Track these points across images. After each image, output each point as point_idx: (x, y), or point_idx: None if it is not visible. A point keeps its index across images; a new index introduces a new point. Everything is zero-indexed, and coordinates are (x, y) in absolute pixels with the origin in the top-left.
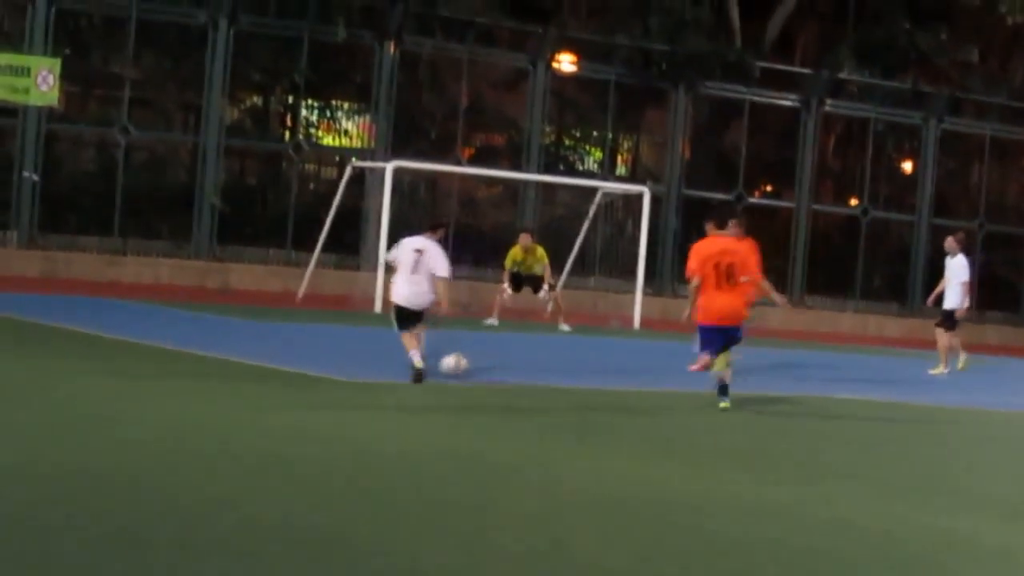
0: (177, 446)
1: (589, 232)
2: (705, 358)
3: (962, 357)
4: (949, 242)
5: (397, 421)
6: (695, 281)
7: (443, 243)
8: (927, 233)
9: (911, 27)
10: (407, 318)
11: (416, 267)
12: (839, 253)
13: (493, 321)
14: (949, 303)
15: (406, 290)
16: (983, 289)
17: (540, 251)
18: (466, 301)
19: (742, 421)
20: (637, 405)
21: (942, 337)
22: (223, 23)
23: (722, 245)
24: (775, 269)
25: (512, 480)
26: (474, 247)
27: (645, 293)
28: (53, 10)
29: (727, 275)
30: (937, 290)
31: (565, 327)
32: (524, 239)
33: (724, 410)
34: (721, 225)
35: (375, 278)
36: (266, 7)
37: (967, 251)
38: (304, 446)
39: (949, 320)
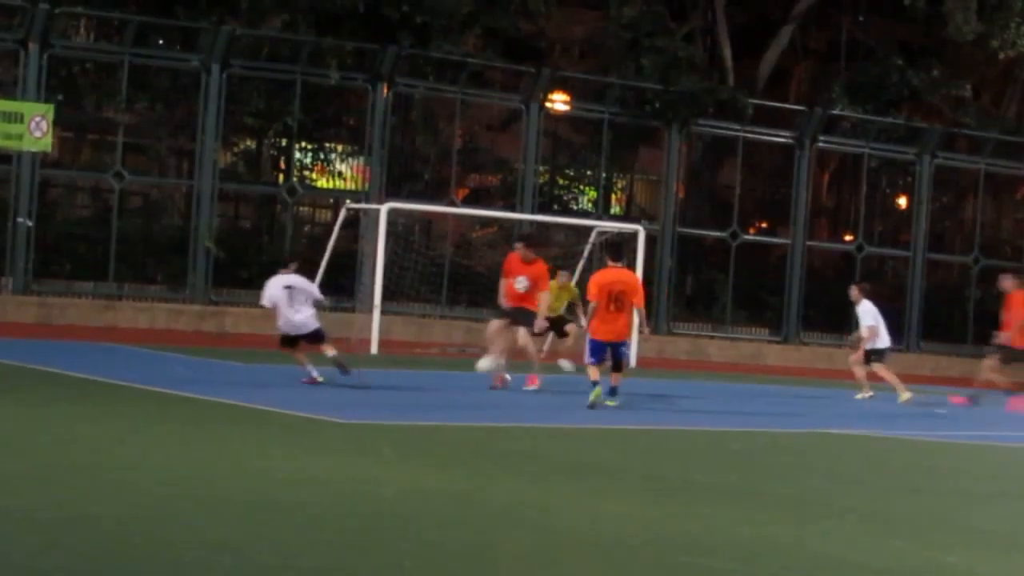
0: (174, 490)
1: (584, 272)
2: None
3: (866, 387)
4: (853, 292)
5: (392, 462)
6: (593, 304)
7: (300, 272)
8: (922, 268)
9: (904, 64)
10: (292, 342)
11: (291, 301)
12: (834, 290)
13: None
14: (881, 343)
15: (289, 320)
16: (978, 324)
17: (572, 288)
18: (462, 342)
19: (737, 458)
20: (629, 444)
21: (882, 371)
22: (216, 68)
23: (614, 276)
24: (771, 307)
25: (508, 521)
26: (469, 288)
27: (640, 332)
28: (46, 56)
29: (616, 300)
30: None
31: (567, 364)
32: (562, 277)
33: (606, 407)
34: (615, 258)
35: (371, 320)
36: (259, 51)
37: (870, 298)
38: (301, 489)
39: (879, 355)
